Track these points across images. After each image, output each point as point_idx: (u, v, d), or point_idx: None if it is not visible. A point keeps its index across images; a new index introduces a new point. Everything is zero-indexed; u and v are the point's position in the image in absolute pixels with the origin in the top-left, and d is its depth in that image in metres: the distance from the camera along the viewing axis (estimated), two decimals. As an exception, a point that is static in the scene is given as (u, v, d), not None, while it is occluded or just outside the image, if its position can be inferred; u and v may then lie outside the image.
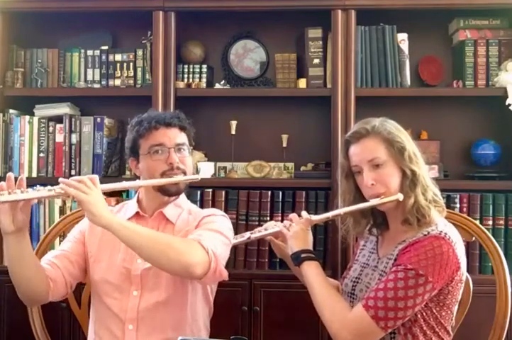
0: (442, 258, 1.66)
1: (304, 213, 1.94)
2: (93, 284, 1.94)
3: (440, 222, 1.76)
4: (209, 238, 1.79)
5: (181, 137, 1.95)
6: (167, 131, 1.92)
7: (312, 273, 1.81)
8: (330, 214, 1.94)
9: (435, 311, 1.72)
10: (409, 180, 1.75)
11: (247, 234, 2.03)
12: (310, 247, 1.88)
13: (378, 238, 1.89)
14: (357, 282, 1.84)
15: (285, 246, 1.95)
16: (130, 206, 2.01)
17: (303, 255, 1.84)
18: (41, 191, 1.64)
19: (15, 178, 1.66)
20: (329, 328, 1.71)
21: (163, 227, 1.94)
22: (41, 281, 1.80)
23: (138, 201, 2.00)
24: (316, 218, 1.94)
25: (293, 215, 1.95)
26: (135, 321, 1.85)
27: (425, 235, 1.71)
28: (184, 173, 1.92)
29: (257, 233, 2.01)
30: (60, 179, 1.68)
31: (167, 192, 1.92)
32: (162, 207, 1.96)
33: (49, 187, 1.66)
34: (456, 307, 1.79)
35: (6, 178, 1.66)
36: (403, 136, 1.80)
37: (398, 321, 1.65)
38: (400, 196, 1.75)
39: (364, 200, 1.81)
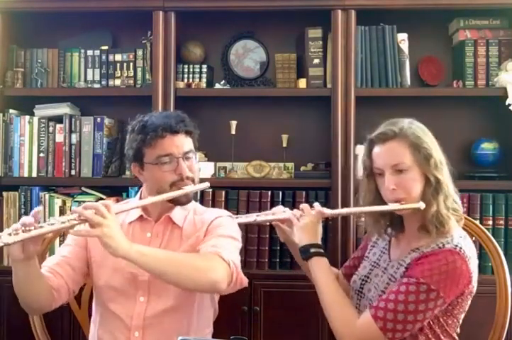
0: (455, 274, 1.63)
1: (317, 205, 1.89)
2: (97, 289, 1.91)
3: (456, 233, 1.72)
4: (225, 247, 1.77)
5: (188, 144, 1.87)
6: (174, 139, 1.83)
7: (320, 272, 1.79)
8: (344, 210, 1.92)
9: (441, 320, 1.71)
10: (432, 188, 1.70)
11: (253, 217, 2.01)
12: (319, 241, 1.85)
13: (391, 238, 1.86)
14: (366, 281, 1.82)
15: (290, 231, 1.92)
16: None
17: (312, 250, 1.81)
18: (55, 225, 1.61)
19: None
20: (335, 331, 1.72)
21: (170, 231, 1.89)
22: (46, 296, 1.78)
23: None
24: (329, 212, 1.90)
25: (304, 206, 1.89)
26: (141, 329, 1.81)
27: (440, 248, 1.67)
28: (193, 181, 1.87)
29: (263, 216, 1.98)
30: (73, 209, 1.64)
31: (178, 202, 1.87)
32: (168, 210, 1.90)
33: (62, 218, 1.62)
34: (463, 315, 1.77)
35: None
36: (430, 141, 1.73)
37: (405, 333, 1.65)
38: (422, 205, 1.69)
39: (383, 200, 1.77)
